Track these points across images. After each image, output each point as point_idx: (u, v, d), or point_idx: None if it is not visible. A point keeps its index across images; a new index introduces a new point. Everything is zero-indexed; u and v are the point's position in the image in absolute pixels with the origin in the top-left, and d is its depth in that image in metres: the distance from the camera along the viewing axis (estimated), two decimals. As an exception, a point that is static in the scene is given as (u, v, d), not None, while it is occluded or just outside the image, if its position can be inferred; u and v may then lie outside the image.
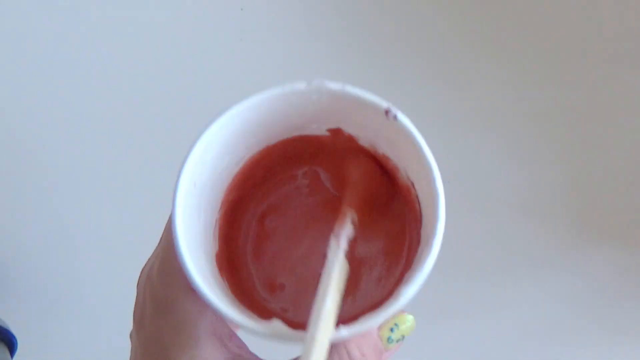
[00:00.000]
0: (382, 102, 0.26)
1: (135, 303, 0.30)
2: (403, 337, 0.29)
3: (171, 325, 0.28)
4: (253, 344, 0.28)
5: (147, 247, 0.45)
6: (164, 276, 0.28)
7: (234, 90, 0.47)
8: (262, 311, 0.27)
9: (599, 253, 0.45)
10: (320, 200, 0.29)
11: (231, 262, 0.29)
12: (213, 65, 0.47)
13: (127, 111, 0.47)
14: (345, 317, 0.26)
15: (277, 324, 0.24)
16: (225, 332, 0.27)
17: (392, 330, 0.28)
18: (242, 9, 0.48)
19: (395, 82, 0.47)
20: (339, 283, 0.24)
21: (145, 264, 0.31)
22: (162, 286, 0.28)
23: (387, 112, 0.26)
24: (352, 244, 0.27)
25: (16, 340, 0.41)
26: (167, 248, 0.27)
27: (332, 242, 0.25)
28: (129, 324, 0.45)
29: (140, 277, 0.31)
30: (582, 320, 0.45)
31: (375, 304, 0.27)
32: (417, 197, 0.27)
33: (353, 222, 0.27)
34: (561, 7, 0.48)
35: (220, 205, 0.28)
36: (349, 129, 0.28)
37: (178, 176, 0.24)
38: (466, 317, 0.45)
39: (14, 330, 0.42)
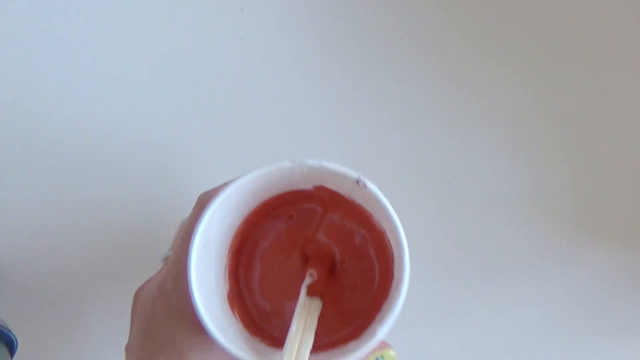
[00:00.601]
0: (353, 173, 0.31)
1: (140, 317, 0.33)
2: None
3: (185, 328, 0.32)
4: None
5: (146, 248, 0.45)
6: (178, 287, 0.32)
7: (234, 90, 0.47)
8: (269, 338, 0.33)
9: (599, 253, 0.45)
10: (301, 240, 0.35)
11: (240, 298, 0.34)
12: (213, 65, 0.47)
13: (126, 111, 0.47)
14: (329, 341, 0.33)
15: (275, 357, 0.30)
16: None
17: (377, 359, 0.35)
18: (242, 9, 0.48)
19: (396, 82, 0.47)
20: (305, 317, 0.31)
21: (149, 282, 0.35)
22: (177, 296, 0.32)
23: (357, 181, 0.31)
24: (336, 283, 0.34)
25: (16, 340, 0.42)
26: (178, 264, 0.32)
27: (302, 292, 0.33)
28: (128, 324, 0.45)
29: (141, 294, 0.35)
30: (582, 320, 0.45)
31: (354, 331, 0.33)
32: (389, 241, 0.33)
33: (311, 276, 0.34)
34: (564, 7, 0.48)
35: (227, 251, 0.34)
36: (329, 186, 0.34)
37: (190, 246, 0.29)
38: (467, 317, 0.45)
39: (14, 330, 0.42)
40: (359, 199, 0.34)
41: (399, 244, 0.30)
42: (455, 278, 0.45)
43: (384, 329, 0.30)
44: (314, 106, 0.47)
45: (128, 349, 0.34)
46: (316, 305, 0.33)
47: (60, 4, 0.48)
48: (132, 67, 0.47)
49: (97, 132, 0.47)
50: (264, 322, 0.34)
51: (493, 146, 0.47)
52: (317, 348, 0.30)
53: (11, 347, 0.41)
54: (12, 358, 0.41)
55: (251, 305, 0.35)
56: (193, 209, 0.35)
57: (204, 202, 0.34)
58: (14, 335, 0.41)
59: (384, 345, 0.35)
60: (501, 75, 0.47)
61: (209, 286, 0.31)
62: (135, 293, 0.36)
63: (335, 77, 0.47)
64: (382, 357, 0.35)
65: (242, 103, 0.47)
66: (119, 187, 0.46)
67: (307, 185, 0.34)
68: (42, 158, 0.46)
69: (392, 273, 0.32)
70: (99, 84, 0.47)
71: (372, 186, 0.31)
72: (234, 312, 0.33)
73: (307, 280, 0.34)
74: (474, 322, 0.45)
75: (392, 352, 0.35)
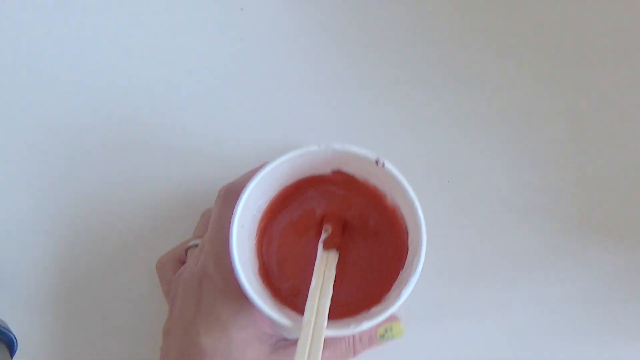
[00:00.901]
0: (373, 155, 0.35)
1: (185, 298, 0.37)
2: (392, 338, 0.39)
3: (230, 307, 0.35)
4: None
5: (147, 247, 0.45)
6: (220, 271, 0.36)
7: (234, 91, 0.47)
8: (296, 309, 0.36)
9: (603, 253, 0.45)
10: (317, 215, 0.39)
11: (267, 275, 0.38)
12: (213, 65, 0.47)
13: (125, 111, 0.47)
14: (353, 306, 0.36)
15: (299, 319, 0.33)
16: (264, 316, 0.35)
17: (386, 330, 0.38)
18: (242, 9, 0.48)
19: (397, 82, 0.47)
20: (323, 270, 0.35)
21: (186, 269, 0.39)
22: (220, 279, 0.36)
23: (377, 161, 0.35)
24: (348, 254, 0.38)
25: (16, 340, 0.41)
26: (216, 249, 0.36)
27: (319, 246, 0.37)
28: (128, 324, 0.45)
29: (180, 278, 0.38)
30: (585, 319, 0.45)
31: (374, 298, 0.36)
32: (402, 215, 0.37)
33: (326, 231, 0.38)
34: (571, 6, 0.48)
35: (255, 232, 0.38)
36: (347, 169, 0.38)
37: (231, 224, 0.33)
38: (467, 317, 0.45)
39: (14, 330, 0.42)
40: (373, 180, 0.38)
41: (416, 214, 0.34)
42: (455, 278, 0.45)
43: (408, 291, 0.33)
44: (314, 106, 0.47)
45: (168, 329, 0.38)
46: (333, 257, 0.37)
47: (61, 4, 0.48)
48: (130, 67, 0.47)
49: (95, 133, 0.47)
50: (290, 295, 0.38)
51: (494, 145, 0.47)
52: (337, 316, 0.34)
53: (11, 347, 0.41)
54: (12, 358, 0.41)
55: (277, 281, 0.38)
56: (217, 201, 0.39)
57: (228, 192, 0.38)
58: (14, 335, 0.41)
59: (393, 318, 0.38)
60: (503, 75, 0.47)
61: (246, 263, 0.35)
62: (173, 279, 0.40)
63: (335, 77, 0.48)
64: (391, 329, 0.38)
65: (242, 103, 0.47)
66: (121, 188, 0.46)
67: (326, 170, 0.38)
68: (43, 158, 0.46)
69: (407, 245, 0.36)
70: (97, 85, 0.47)
71: (389, 165, 0.35)
72: (265, 287, 0.37)
73: (323, 236, 0.38)
74: (473, 322, 0.45)
75: (401, 325, 0.39)
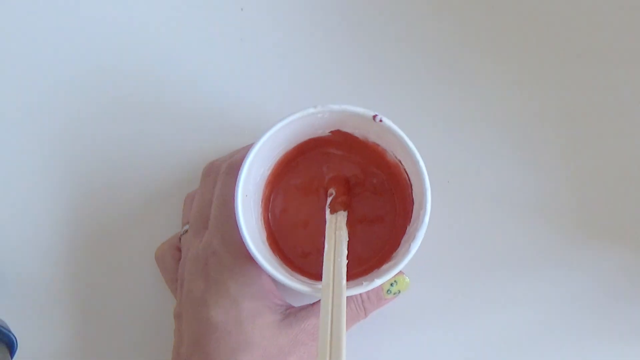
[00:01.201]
0: (370, 111, 0.35)
1: (191, 280, 0.37)
2: (399, 291, 0.39)
3: (238, 281, 0.35)
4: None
5: (146, 245, 0.45)
6: (227, 247, 0.36)
7: (234, 90, 0.47)
8: (306, 274, 0.37)
9: (601, 253, 0.45)
10: (321, 180, 0.39)
11: (275, 242, 0.38)
12: (213, 65, 0.47)
13: (125, 111, 0.47)
14: (360, 270, 0.37)
15: (312, 284, 0.34)
16: (273, 287, 0.37)
17: (391, 285, 0.39)
18: (242, 9, 0.48)
19: (396, 82, 0.47)
20: (334, 232, 0.35)
21: (191, 249, 0.38)
22: (228, 254, 0.36)
23: (374, 117, 0.35)
24: (356, 213, 0.38)
25: (16, 340, 0.41)
26: (220, 226, 0.36)
27: (327, 212, 0.37)
28: (128, 324, 0.45)
29: (186, 259, 0.38)
30: (584, 320, 0.45)
31: (384, 256, 0.37)
32: (405, 170, 0.37)
33: (330, 195, 0.38)
34: (567, 6, 0.48)
35: (261, 200, 0.38)
36: (346, 129, 0.38)
37: (235, 195, 0.33)
38: (466, 317, 0.45)
39: (14, 330, 0.42)
40: (373, 137, 0.38)
41: (418, 167, 0.34)
42: (454, 278, 0.45)
43: (416, 245, 0.34)
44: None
45: (179, 312, 0.38)
46: (342, 216, 0.37)
47: (60, 3, 0.48)
48: (130, 67, 0.47)
49: (95, 133, 0.47)
50: (299, 260, 0.38)
51: (493, 145, 0.47)
52: (349, 277, 0.33)
53: (11, 347, 0.41)
54: (12, 358, 0.41)
55: (285, 247, 0.38)
56: (220, 178, 0.38)
57: (230, 168, 0.37)
58: (14, 335, 0.41)
59: (398, 273, 0.37)
60: (502, 74, 0.47)
61: (254, 231, 0.35)
62: (180, 265, 0.40)
63: (335, 79, 0.48)
64: (396, 282, 0.38)
65: (241, 103, 0.47)
66: (121, 187, 0.46)
67: (325, 132, 0.38)
68: (40, 156, 0.46)
69: (412, 198, 0.36)
70: (96, 85, 0.47)
71: (387, 120, 0.35)
72: (274, 254, 0.37)
73: (328, 200, 0.38)
74: (473, 322, 0.45)
75: (406, 279, 0.39)
